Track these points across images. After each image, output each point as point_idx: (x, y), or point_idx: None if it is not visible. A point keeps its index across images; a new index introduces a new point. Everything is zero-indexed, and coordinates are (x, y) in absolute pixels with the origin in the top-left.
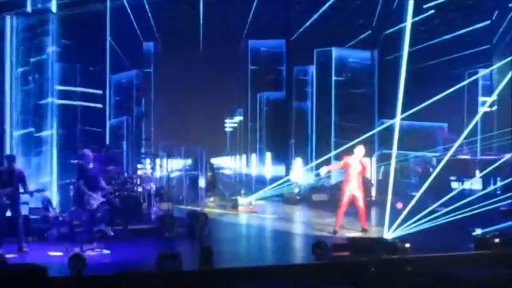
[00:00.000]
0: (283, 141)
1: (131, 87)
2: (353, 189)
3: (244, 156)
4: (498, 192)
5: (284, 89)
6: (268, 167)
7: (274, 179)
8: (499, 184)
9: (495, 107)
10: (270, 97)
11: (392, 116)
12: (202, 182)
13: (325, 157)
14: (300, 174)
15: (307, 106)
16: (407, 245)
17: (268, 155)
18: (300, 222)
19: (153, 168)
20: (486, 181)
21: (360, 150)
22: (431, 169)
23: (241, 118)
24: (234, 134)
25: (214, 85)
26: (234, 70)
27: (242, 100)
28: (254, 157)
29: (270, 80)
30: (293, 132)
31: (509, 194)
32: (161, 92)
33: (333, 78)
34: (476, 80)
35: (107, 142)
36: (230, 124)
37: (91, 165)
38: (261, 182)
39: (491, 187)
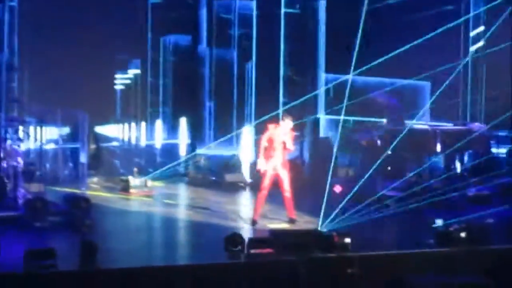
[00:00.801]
0: (196, 102)
1: None
2: (277, 168)
3: (141, 124)
4: (465, 173)
5: (199, 31)
6: (169, 137)
7: (177, 154)
8: (466, 163)
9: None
10: (179, 42)
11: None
12: (83, 157)
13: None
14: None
15: (230, 55)
16: (348, 240)
17: (178, 123)
18: (209, 209)
19: (20, 139)
20: (450, 159)
21: (287, 122)
22: (378, 142)
23: (137, 71)
24: (128, 94)
25: (101, 27)
26: (128, 6)
27: (138, 47)
28: (157, 124)
29: (179, 19)
30: (211, 91)
31: (479, 177)
32: (29, 35)
33: (283, 10)
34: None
35: None
36: (122, 80)
37: None
38: (163, 157)
39: (457, 168)
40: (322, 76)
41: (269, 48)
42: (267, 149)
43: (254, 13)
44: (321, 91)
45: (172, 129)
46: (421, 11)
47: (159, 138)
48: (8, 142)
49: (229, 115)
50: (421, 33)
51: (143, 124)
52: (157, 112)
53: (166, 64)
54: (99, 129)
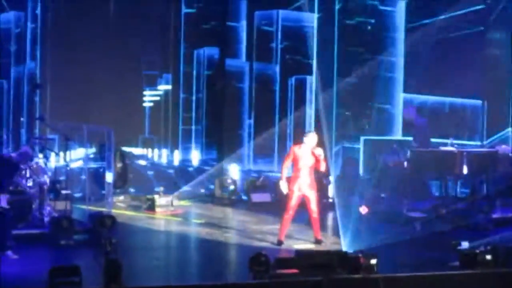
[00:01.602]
0: (234, 119)
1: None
2: (303, 189)
3: (170, 142)
4: (491, 196)
5: (238, 44)
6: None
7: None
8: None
9: None
10: (215, 56)
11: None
12: (109, 176)
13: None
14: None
15: (272, 70)
16: (374, 261)
17: (211, 141)
18: (235, 229)
19: (46, 157)
20: (475, 181)
21: (311, 137)
22: (405, 164)
23: (168, 87)
24: (157, 111)
25: (130, 39)
26: (159, 16)
27: (170, 61)
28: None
29: (214, 31)
30: (250, 108)
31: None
32: (54, 46)
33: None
34: None
35: None
36: (150, 97)
37: None
38: (190, 177)
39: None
40: None
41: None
42: (294, 170)
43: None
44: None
45: (206, 147)
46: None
47: (195, 157)
48: (36, 160)
49: (269, 133)
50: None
51: (174, 143)
52: (190, 130)
53: (200, 78)
54: (127, 148)
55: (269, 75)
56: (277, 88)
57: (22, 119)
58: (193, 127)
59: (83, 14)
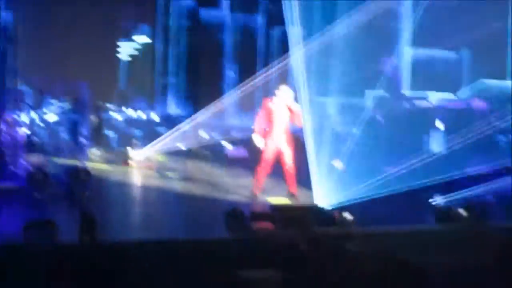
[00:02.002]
0: (215, 72)
1: None
2: (278, 142)
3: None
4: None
5: None
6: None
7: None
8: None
9: None
10: (193, 7)
11: None
12: (84, 129)
13: None
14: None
15: (255, 22)
16: (348, 216)
17: (191, 94)
18: (209, 183)
19: (21, 110)
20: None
21: (283, 90)
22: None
23: (145, 39)
24: (135, 64)
25: None
26: None
27: (147, 12)
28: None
29: None
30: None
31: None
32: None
33: None
34: None
35: None
36: (127, 49)
37: None
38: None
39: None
40: None
41: None
42: (268, 124)
43: None
44: None
45: (185, 100)
46: None
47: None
48: (8, 112)
49: (252, 86)
50: None
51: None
52: (166, 83)
53: (180, 30)
54: (102, 101)
55: (251, 26)
56: (261, 39)
57: None
58: (171, 80)
59: None
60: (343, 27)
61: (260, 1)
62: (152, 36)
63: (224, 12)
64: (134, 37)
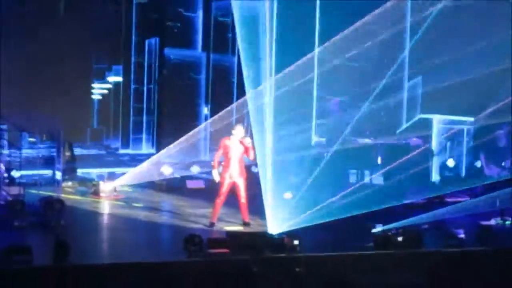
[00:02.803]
0: (189, 111)
1: None
2: (234, 176)
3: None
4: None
5: (193, 35)
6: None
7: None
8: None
9: None
10: (167, 46)
11: None
12: (58, 164)
13: None
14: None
15: (229, 61)
16: (296, 241)
17: (164, 132)
18: (171, 212)
19: (3, 146)
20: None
21: (238, 130)
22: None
23: (118, 78)
24: (105, 103)
25: (79, 34)
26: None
27: (121, 53)
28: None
29: (171, 23)
30: (207, 99)
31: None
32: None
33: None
34: None
35: None
36: (99, 90)
37: None
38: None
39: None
40: None
41: None
42: (225, 159)
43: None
44: None
45: (158, 137)
46: None
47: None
48: None
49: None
50: None
51: (124, 134)
52: (141, 121)
53: (152, 69)
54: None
55: (226, 66)
56: (235, 79)
57: None
58: (144, 118)
59: (33, 5)
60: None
61: (233, 41)
62: (124, 75)
63: (197, 52)
64: (108, 78)
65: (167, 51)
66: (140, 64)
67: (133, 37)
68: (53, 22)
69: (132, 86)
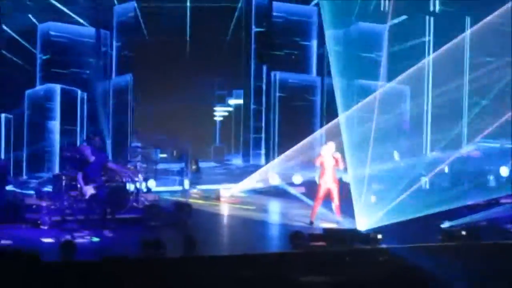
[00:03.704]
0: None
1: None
2: (328, 182)
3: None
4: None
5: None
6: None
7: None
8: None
9: None
10: (285, 79)
11: None
12: (187, 175)
13: None
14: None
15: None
16: (379, 236)
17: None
18: (278, 213)
19: (141, 161)
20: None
21: (329, 145)
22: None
23: (238, 101)
24: (226, 124)
25: (203, 63)
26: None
27: (241, 79)
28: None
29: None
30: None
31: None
32: (137, 69)
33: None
34: None
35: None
36: (221, 112)
37: (92, 159)
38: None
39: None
40: None
41: None
42: (321, 169)
43: None
44: None
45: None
46: None
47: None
48: (132, 163)
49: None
50: None
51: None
52: (260, 138)
53: (271, 97)
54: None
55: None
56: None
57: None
58: (263, 135)
59: (163, 38)
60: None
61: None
62: (245, 98)
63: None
64: (229, 101)
65: (284, 75)
66: (259, 88)
67: (252, 63)
68: (181, 51)
69: (252, 107)
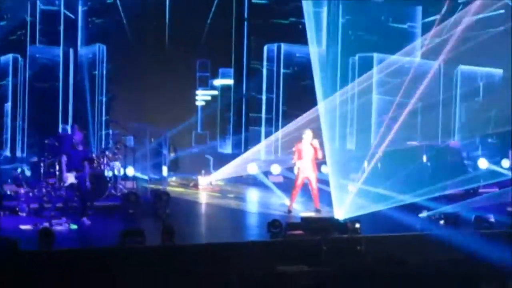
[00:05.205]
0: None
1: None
2: (306, 172)
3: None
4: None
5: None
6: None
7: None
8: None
9: None
10: (291, 52)
11: None
12: (165, 162)
13: None
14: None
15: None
16: (357, 225)
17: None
18: (256, 202)
19: (118, 149)
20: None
21: (307, 134)
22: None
23: (225, 81)
24: (208, 109)
25: (184, 41)
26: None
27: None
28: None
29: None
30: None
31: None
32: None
33: None
34: None
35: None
36: (202, 96)
37: (80, 147)
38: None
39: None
40: None
41: None
42: (299, 158)
43: None
44: None
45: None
46: None
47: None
48: (110, 151)
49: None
50: None
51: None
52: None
53: (273, 76)
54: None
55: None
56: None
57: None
58: (263, 129)
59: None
60: None
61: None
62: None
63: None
64: (214, 82)
65: (288, 47)
66: (254, 67)
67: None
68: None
69: (245, 88)
